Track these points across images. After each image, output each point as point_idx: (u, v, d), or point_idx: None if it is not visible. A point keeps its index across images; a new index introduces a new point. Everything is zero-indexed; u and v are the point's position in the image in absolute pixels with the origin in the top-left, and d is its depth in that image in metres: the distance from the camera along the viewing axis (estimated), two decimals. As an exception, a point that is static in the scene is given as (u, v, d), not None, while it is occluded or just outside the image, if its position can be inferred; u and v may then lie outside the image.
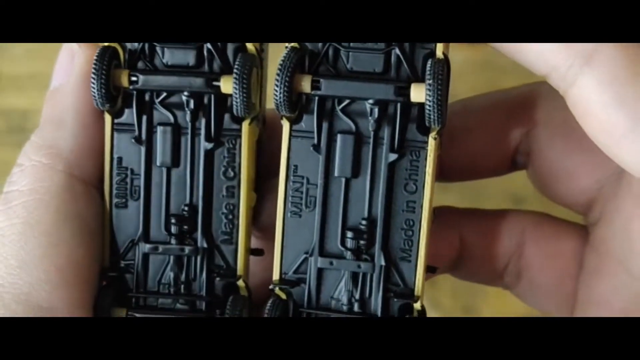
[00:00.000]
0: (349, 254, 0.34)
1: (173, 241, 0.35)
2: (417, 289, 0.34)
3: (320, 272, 0.34)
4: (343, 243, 0.34)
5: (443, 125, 0.33)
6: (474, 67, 0.59)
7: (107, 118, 0.35)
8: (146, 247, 0.35)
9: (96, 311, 0.35)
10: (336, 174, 0.34)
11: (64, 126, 0.35)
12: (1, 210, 0.35)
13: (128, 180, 0.35)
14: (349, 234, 0.34)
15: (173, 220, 0.35)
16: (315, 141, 0.34)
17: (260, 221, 0.38)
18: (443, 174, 0.38)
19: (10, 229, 0.34)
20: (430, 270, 0.35)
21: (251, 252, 0.37)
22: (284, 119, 0.34)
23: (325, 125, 0.34)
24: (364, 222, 0.34)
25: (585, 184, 0.37)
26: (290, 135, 0.34)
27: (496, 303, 0.62)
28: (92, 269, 0.35)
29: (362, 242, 0.34)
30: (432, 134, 0.33)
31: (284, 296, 0.35)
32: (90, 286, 0.35)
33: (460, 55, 0.54)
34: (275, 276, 0.35)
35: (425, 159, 0.33)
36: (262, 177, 0.38)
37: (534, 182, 0.39)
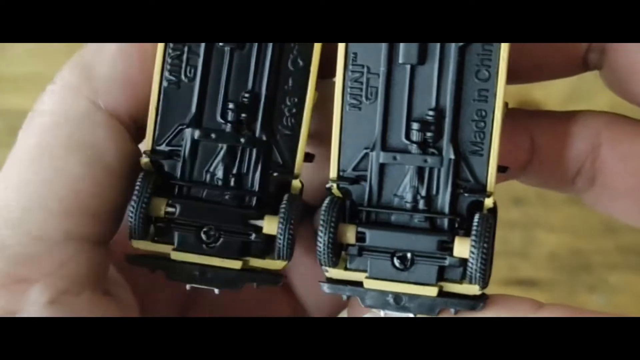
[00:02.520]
0: (414, 148, 0.32)
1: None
2: (490, 185, 0.31)
3: (382, 167, 0.32)
4: (408, 136, 0.32)
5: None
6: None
7: None
8: (197, 132, 0.32)
9: (134, 200, 0.32)
10: (400, 60, 0.31)
11: (104, 49, 0.33)
12: (23, 129, 0.33)
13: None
14: (415, 126, 0.31)
15: (231, 106, 0.32)
16: None
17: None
18: (517, 76, 0.36)
19: (23, 149, 0.33)
20: (501, 170, 0.33)
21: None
22: None
23: None
24: (431, 112, 0.31)
25: None
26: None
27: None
28: (97, 203, 0.32)
29: (429, 134, 0.31)
30: None
31: (340, 195, 0.32)
32: (92, 221, 0.33)
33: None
34: (333, 174, 0.32)
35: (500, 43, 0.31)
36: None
37: (608, 83, 0.36)
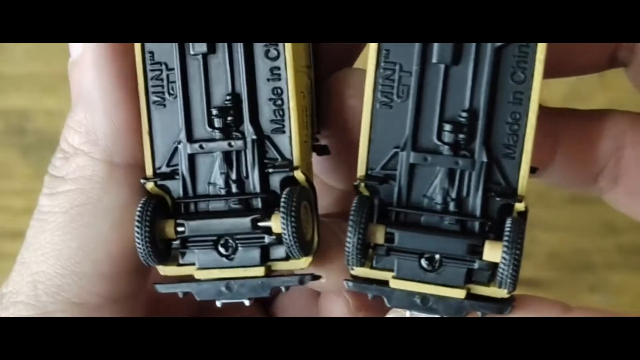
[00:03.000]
0: (446, 149, 0.31)
1: (218, 136, 0.32)
2: (521, 188, 0.31)
3: (412, 167, 0.31)
4: (440, 137, 0.31)
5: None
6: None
7: None
8: (190, 147, 0.32)
9: (138, 225, 0.32)
10: (434, 60, 0.31)
11: (95, 107, 0.33)
12: (46, 195, 0.34)
13: (163, 76, 0.32)
14: (447, 127, 0.31)
15: (215, 112, 0.32)
16: None
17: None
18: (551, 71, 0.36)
19: (52, 217, 0.33)
20: (531, 171, 0.33)
21: (314, 149, 0.34)
22: None
23: None
24: (464, 114, 0.31)
25: None
26: None
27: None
28: (131, 262, 0.33)
29: (461, 135, 0.31)
30: None
31: (367, 194, 0.32)
32: (127, 279, 0.34)
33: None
34: (361, 172, 0.32)
35: (537, 44, 0.30)
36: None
37: (635, 82, 0.36)
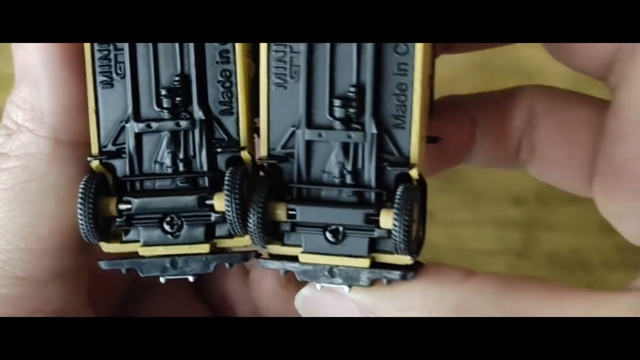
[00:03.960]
0: (338, 124, 0.32)
1: (166, 116, 0.33)
2: (413, 157, 0.32)
3: (309, 144, 0.32)
4: (331, 113, 0.32)
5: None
6: (473, 68, 0.58)
7: None
8: (137, 126, 0.33)
9: (81, 202, 0.32)
10: None
11: (40, 86, 0.33)
12: None
13: (111, 56, 0.33)
14: (337, 103, 0.32)
15: (164, 93, 0.33)
16: None
17: None
18: (449, 45, 0.37)
19: None
20: (432, 140, 0.33)
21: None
22: None
23: None
24: (352, 89, 0.32)
25: (600, 47, 0.35)
26: None
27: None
28: (76, 237, 0.33)
29: (351, 110, 0.32)
30: None
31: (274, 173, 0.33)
32: (74, 254, 0.34)
33: (461, 56, 0.53)
34: (263, 152, 0.33)
35: None
36: None
37: (548, 49, 0.37)
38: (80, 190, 0.32)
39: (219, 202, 0.32)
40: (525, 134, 0.38)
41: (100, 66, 0.33)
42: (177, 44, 0.33)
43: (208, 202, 0.33)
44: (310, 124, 0.32)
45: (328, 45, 0.32)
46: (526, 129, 0.37)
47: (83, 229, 0.32)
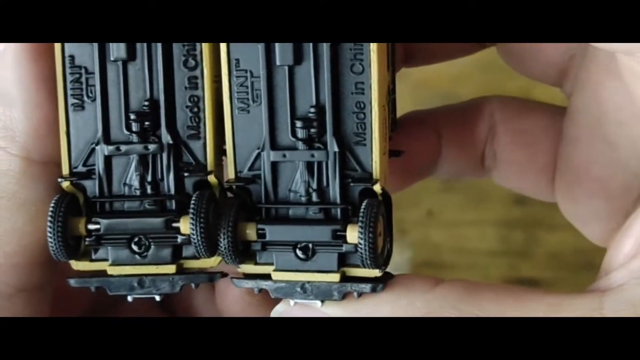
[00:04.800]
0: (300, 144, 0.33)
1: (135, 139, 0.34)
2: (375, 172, 0.33)
3: (274, 165, 0.34)
4: (294, 134, 0.33)
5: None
6: (477, 67, 0.59)
7: None
8: (107, 148, 0.34)
9: (51, 221, 0.33)
10: (278, 62, 0.33)
11: (14, 105, 0.34)
12: None
13: (83, 80, 0.34)
14: (299, 124, 0.33)
15: (133, 117, 0.33)
16: None
17: None
18: (412, 57, 0.38)
19: None
20: (395, 154, 0.35)
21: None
22: None
23: None
24: (312, 109, 0.33)
25: (554, 55, 0.36)
26: None
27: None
28: (45, 253, 0.34)
29: (312, 130, 0.33)
30: None
31: (242, 195, 0.34)
32: (41, 270, 0.35)
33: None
34: (231, 175, 0.34)
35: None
36: None
37: (505, 59, 0.38)
38: (50, 210, 0.33)
39: (185, 225, 0.33)
40: (487, 142, 0.38)
41: (71, 89, 0.34)
42: (146, 69, 0.34)
43: (174, 224, 0.34)
44: (274, 145, 0.33)
45: (286, 68, 0.33)
46: (488, 138, 0.38)
47: (52, 248, 0.33)
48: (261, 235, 0.33)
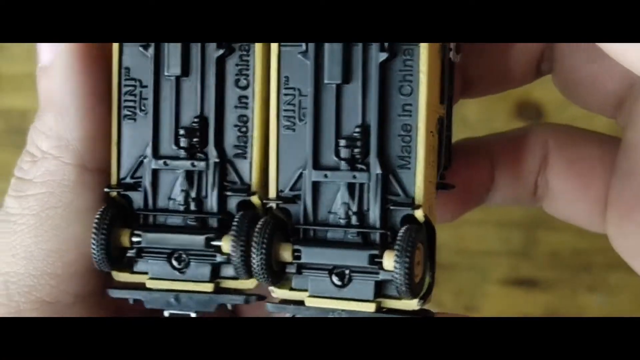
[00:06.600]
0: (343, 164, 0.32)
1: (183, 155, 0.33)
2: (418, 197, 0.32)
3: (315, 185, 0.33)
4: (337, 153, 0.32)
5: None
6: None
7: None
8: (155, 162, 0.34)
9: (95, 232, 0.33)
10: (326, 80, 0.32)
11: (66, 113, 0.34)
12: (13, 197, 0.35)
13: (137, 92, 0.34)
14: (342, 143, 0.32)
15: (182, 133, 0.33)
16: (304, 47, 0.32)
17: None
18: (469, 87, 0.37)
19: (22, 219, 0.34)
20: (444, 187, 0.34)
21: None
22: None
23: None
24: (357, 129, 0.32)
25: (611, 87, 0.35)
26: (280, 44, 0.33)
27: (497, 303, 0.61)
28: None
29: (356, 150, 0.32)
30: None
31: (281, 215, 0.33)
32: (98, 277, 0.35)
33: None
34: (272, 194, 0.33)
35: (419, 56, 0.31)
36: None
37: (560, 89, 0.37)
38: (95, 220, 0.33)
39: (226, 244, 0.33)
40: (540, 171, 0.38)
41: (125, 100, 0.34)
42: (199, 87, 0.33)
43: (215, 243, 0.33)
44: (316, 165, 0.33)
45: (334, 86, 0.32)
46: (541, 167, 0.38)
47: (95, 258, 0.33)
48: (297, 256, 0.33)
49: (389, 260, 0.31)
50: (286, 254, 0.33)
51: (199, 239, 0.33)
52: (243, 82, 0.33)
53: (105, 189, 0.34)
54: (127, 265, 0.34)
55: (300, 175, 0.33)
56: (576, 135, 0.38)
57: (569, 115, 0.55)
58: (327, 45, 0.32)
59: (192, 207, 0.34)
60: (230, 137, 0.33)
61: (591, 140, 0.38)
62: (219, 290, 0.34)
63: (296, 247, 0.33)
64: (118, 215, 0.34)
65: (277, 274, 0.33)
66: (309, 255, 0.32)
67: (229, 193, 0.33)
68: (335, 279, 0.32)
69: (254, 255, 0.32)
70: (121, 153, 0.34)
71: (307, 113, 0.32)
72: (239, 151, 0.33)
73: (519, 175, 0.38)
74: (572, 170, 0.37)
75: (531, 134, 0.38)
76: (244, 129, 0.33)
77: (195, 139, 0.33)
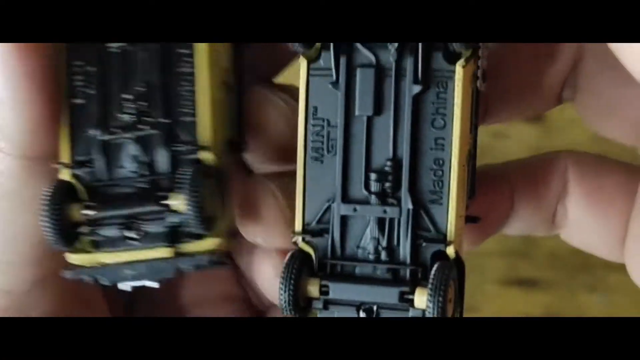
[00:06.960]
0: (373, 198, 0.32)
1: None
2: (450, 234, 0.31)
3: (344, 219, 0.32)
4: (367, 187, 0.32)
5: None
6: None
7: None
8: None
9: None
10: (357, 112, 0.31)
11: (3, 105, 0.33)
12: None
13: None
14: (373, 177, 0.31)
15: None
16: (334, 77, 0.31)
17: None
18: (490, 114, 0.36)
19: None
20: (471, 220, 0.33)
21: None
22: (302, 56, 0.32)
23: (343, 60, 0.31)
24: (388, 163, 0.31)
25: (633, 113, 0.35)
26: (309, 74, 0.32)
27: (496, 303, 0.61)
28: None
29: (387, 184, 0.31)
30: (460, 62, 0.31)
31: (307, 248, 0.32)
32: (54, 261, 0.34)
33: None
34: (298, 227, 0.32)
35: (454, 89, 0.31)
36: None
37: (582, 116, 0.37)
38: (46, 198, 0.32)
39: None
40: (560, 200, 0.37)
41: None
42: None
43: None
44: (345, 198, 0.32)
45: (365, 118, 0.31)
46: (561, 195, 0.37)
47: (49, 237, 0.32)
48: (324, 292, 0.32)
49: (421, 298, 0.31)
50: (313, 289, 0.32)
51: (148, 198, 0.32)
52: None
53: (55, 165, 0.33)
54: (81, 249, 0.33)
55: (328, 208, 0.32)
56: (597, 163, 0.37)
57: (569, 115, 0.55)
58: (358, 76, 0.31)
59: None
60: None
61: (612, 169, 0.37)
62: (179, 255, 0.33)
63: (324, 282, 0.32)
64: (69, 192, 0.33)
65: (304, 310, 0.32)
66: (337, 290, 0.32)
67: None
68: (363, 314, 0.32)
69: (280, 291, 0.31)
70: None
71: (337, 145, 0.32)
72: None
73: (539, 205, 0.37)
74: (592, 200, 0.37)
75: (551, 162, 0.37)
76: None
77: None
